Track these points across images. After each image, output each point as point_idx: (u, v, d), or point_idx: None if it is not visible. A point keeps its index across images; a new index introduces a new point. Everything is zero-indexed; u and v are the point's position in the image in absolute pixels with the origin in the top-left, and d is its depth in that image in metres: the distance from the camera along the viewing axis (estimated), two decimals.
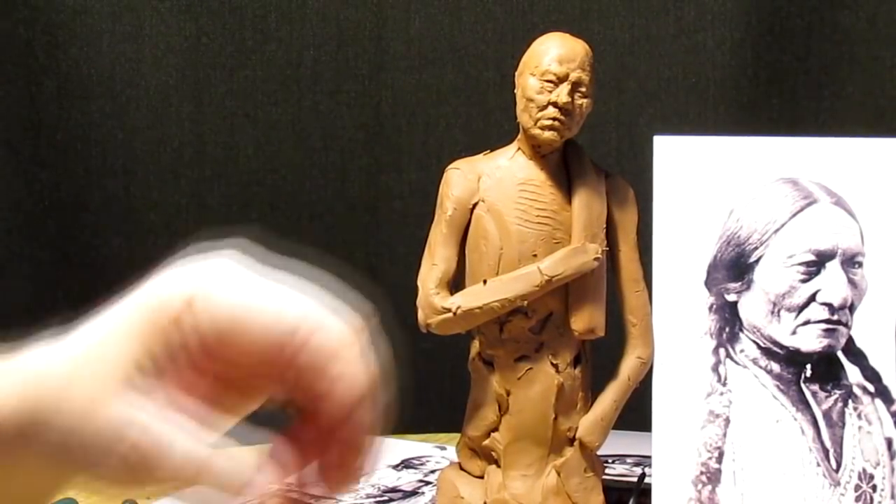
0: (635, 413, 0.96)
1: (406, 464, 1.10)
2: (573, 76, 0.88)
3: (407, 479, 1.05)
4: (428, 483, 1.04)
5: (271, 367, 0.55)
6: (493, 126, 1.39)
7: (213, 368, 0.56)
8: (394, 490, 1.03)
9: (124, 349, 0.56)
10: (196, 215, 1.42)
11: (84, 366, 0.58)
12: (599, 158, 0.96)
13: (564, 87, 0.88)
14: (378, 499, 1.00)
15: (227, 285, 0.56)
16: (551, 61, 0.88)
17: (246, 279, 0.56)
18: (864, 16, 1.39)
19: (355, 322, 0.55)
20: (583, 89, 0.89)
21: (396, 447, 1.15)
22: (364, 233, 1.46)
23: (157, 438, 0.55)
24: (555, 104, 0.88)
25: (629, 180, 0.95)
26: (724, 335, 0.94)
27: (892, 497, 0.92)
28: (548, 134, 0.89)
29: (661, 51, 1.42)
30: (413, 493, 1.02)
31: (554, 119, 0.88)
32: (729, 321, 0.94)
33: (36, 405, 0.59)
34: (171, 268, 0.57)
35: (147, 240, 1.40)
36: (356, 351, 0.54)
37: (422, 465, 1.09)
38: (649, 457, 0.94)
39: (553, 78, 0.88)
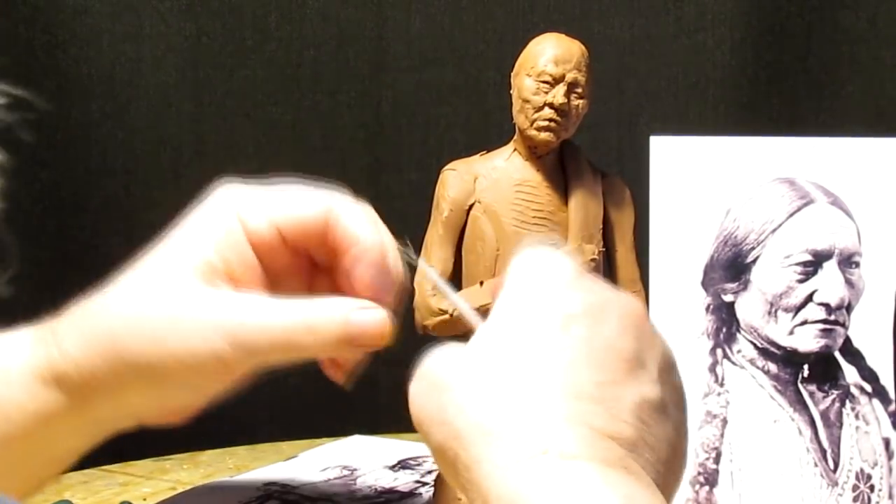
0: None
1: (403, 464, 1.10)
2: (569, 77, 0.88)
3: (404, 480, 1.05)
4: (425, 484, 1.04)
5: (314, 246, 0.68)
6: (493, 126, 1.39)
7: (271, 262, 0.68)
8: (391, 491, 1.03)
9: (197, 254, 0.67)
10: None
11: (161, 279, 0.67)
12: (599, 158, 0.96)
13: (560, 88, 0.88)
14: (375, 500, 1.00)
15: (262, 198, 0.68)
16: (547, 62, 0.88)
17: (272, 191, 0.69)
18: (864, 16, 1.39)
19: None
20: (579, 90, 0.89)
21: (393, 448, 1.15)
22: None
23: (254, 309, 0.65)
24: (551, 105, 0.88)
25: (629, 180, 0.95)
26: (722, 335, 0.94)
27: (890, 497, 0.92)
28: (544, 135, 0.89)
29: (661, 51, 1.42)
30: (410, 494, 1.02)
31: (550, 120, 0.88)
32: (726, 321, 0.94)
33: (117, 335, 0.67)
34: (210, 196, 0.70)
35: (147, 240, 1.40)
36: (373, 217, 0.70)
37: (419, 465, 1.09)
38: None
39: (549, 79, 0.88)
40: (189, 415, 0.73)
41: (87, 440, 0.72)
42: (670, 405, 0.55)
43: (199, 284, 0.66)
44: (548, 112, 0.88)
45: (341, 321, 0.66)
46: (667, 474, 0.53)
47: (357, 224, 0.69)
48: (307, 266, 0.71)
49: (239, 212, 0.68)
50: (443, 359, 0.56)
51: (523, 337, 0.54)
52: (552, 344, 0.53)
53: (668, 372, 0.56)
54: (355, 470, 1.08)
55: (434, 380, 0.55)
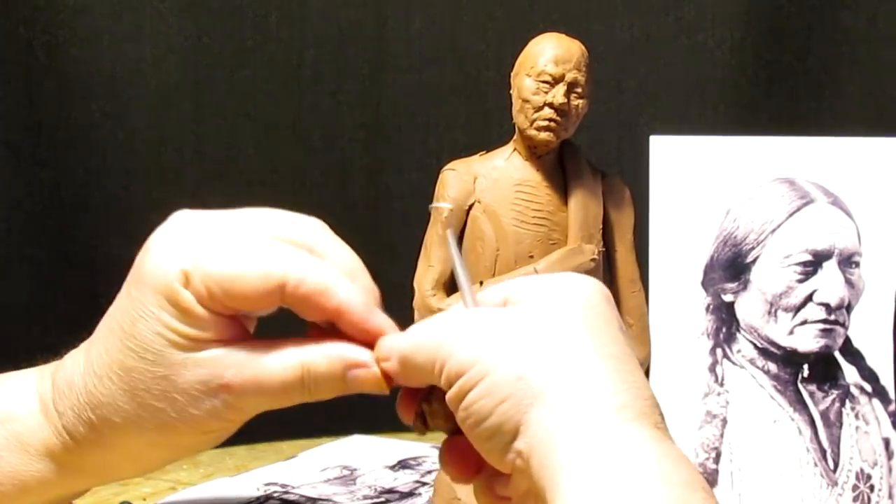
0: None
1: (403, 464, 1.10)
2: (569, 77, 0.88)
3: (404, 480, 1.05)
4: (425, 484, 1.04)
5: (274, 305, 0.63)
6: (493, 126, 1.39)
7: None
8: (390, 491, 1.03)
9: (155, 322, 0.62)
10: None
11: (127, 358, 0.64)
12: (599, 158, 0.96)
13: (560, 88, 0.88)
14: (375, 500, 1.00)
15: (213, 254, 0.62)
16: (547, 62, 0.88)
17: (226, 244, 0.63)
18: (864, 16, 1.39)
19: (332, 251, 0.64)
20: (579, 90, 0.89)
21: (393, 447, 1.15)
22: (364, 233, 1.46)
23: (245, 361, 0.62)
24: (551, 105, 0.88)
25: (629, 180, 0.95)
26: (721, 335, 0.94)
27: (890, 497, 0.92)
28: (544, 135, 0.89)
29: (661, 51, 1.42)
30: (410, 494, 1.02)
31: (550, 120, 0.88)
32: (726, 321, 0.94)
33: (101, 422, 0.63)
34: (158, 243, 0.62)
35: (147, 240, 1.40)
36: (341, 282, 0.62)
37: (418, 465, 1.09)
38: None
39: (549, 79, 0.88)
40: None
41: (70, 496, 0.71)
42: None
43: (174, 352, 0.63)
44: (547, 112, 0.88)
45: (340, 379, 0.65)
46: None
47: (326, 298, 0.62)
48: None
49: (188, 279, 0.63)
50: (494, 308, 0.58)
51: (573, 316, 0.57)
52: (619, 338, 0.57)
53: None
54: (355, 470, 1.08)
55: (499, 317, 0.57)
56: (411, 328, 0.61)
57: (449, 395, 0.56)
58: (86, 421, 0.65)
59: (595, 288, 0.58)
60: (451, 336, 0.57)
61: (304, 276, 0.61)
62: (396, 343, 0.61)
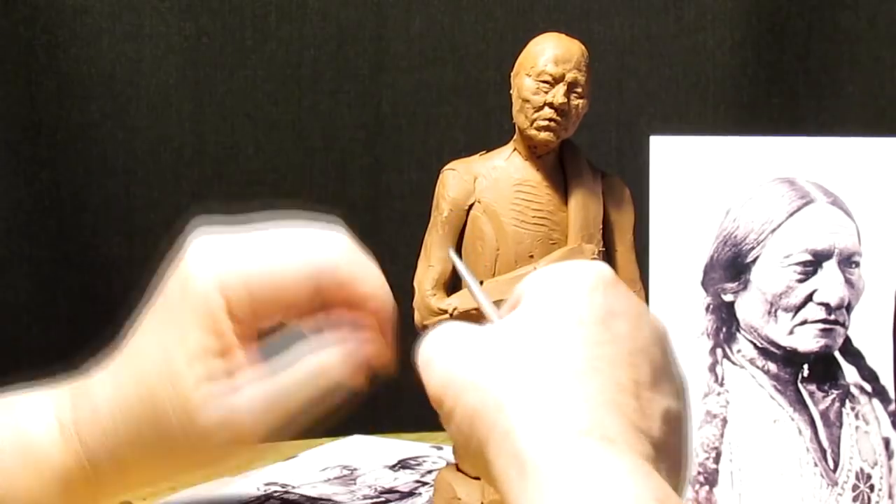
0: None
1: (403, 464, 1.10)
2: (569, 77, 0.88)
3: (404, 480, 1.05)
4: (425, 483, 1.04)
5: (302, 308, 0.65)
6: (493, 126, 1.39)
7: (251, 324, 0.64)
8: (391, 491, 1.03)
9: (190, 341, 0.62)
10: (196, 215, 1.42)
11: (152, 383, 0.64)
12: (599, 158, 0.96)
13: (560, 88, 0.88)
14: (375, 499, 1.00)
15: (245, 259, 0.64)
16: (547, 62, 0.88)
17: (257, 248, 0.65)
18: (864, 16, 1.39)
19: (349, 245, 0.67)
20: (579, 90, 0.89)
21: (393, 447, 1.15)
22: (364, 233, 1.46)
23: (255, 407, 0.63)
24: (551, 105, 0.88)
25: (629, 180, 0.95)
26: (721, 335, 0.94)
27: (890, 497, 0.92)
28: (544, 135, 0.89)
29: (661, 51, 1.42)
30: (410, 494, 1.02)
31: (550, 120, 0.88)
32: (726, 321, 0.94)
33: (118, 448, 0.63)
34: (188, 254, 0.63)
35: (147, 240, 1.40)
36: (367, 266, 0.67)
37: (419, 465, 1.09)
38: None
39: (549, 78, 0.88)
40: None
41: None
42: (685, 422, 0.56)
43: (200, 376, 0.63)
44: (548, 112, 0.88)
45: (355, 372, 0.66)
46: (676, 487, 0.53)
47: (367, 287, 0.67)
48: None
49: (220, 287, 0.64)
50: (475, 329, 0.57)
51: (566, 323, 0.54)
52: (594, 334, 0.54)
53: (684, 394, 0.57)
54: (355, 470, 1.08)
55: (469, 346, 0.55)
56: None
57: (441, 419, 0.56)
58: (109, 450, 0.65)
59: (580, 283, 0.56)
60: (431, 360, 0.57)
61: (339, 263, 0.66)
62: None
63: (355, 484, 1.04)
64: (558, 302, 0.55)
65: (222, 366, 0.63)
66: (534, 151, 0.91)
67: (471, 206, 0.91)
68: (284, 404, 0.64)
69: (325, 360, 0.65)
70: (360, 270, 0.67)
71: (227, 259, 0.65)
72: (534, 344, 0.53)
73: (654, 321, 0.58)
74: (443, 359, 0.56)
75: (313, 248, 0.66)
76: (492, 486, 0.54)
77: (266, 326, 0.66)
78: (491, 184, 0.91)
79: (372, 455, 1.13)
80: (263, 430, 0.64)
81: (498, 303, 0.60)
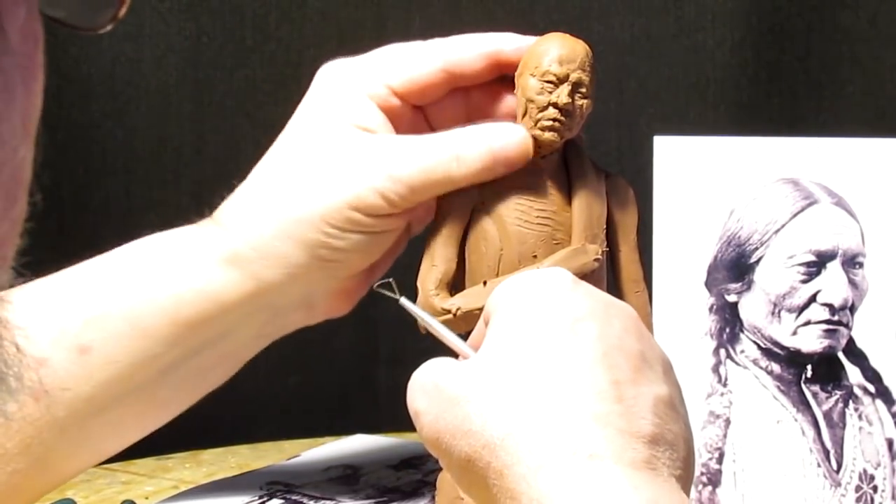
0: None
1: (406, 464, 1.10)
2: (573, 77, 0.88)
3: (407, 480, 1.05)
4: (428, 484, 1.04)
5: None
6: None
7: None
8: (393, 490, 1.03)
9: (347, 107, 0.78)
10: (196, 215, 1.42)
11: (329, 138, 0.77)
12: (599, 158, 0.96)
13: (565, 88, 0.88)
14: (378, 499, 1.00)
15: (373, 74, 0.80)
16: (551, 62, 0.88)
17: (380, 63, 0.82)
18: (864, 16, 1.39)
19: None
20: (583, 90, 0.89)
21: (396, 447, 1.15)
22: None
23: (408, 147, 0.77)
24: (555, 105, 0.88)
25: (629, 180, 0.95)
26: (725, 336, 0.94)
27: (893, 498, 0.92)
28: (548, 135, 0.89)
29: (661, 51, 1.42)
30: (413, 494, 1.02)
31: (554, 120, 0.88)
32: (729, 322, 0.94)
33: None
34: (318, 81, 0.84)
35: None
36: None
37: (422, 465, 1.09)
38: None
39: (553, 79, 0.88)
40: (356, 296, 0.82)
41: (262, 331, 0.75)
42: (678, 402, 0.56)
43: (356, 131, 0.73)
44: (552, 112, 0.88)
45: (486, 149, 0.77)
46: (685, 470, 0.54)
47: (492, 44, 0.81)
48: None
49: (364, 89, 0.78)
50: (451, 372, 0.57)
51: (535, 342, 0.54)
52: (565, 346, 0.54)
53: (669, 371, 0.57)
54: (358, 469, 1.08)
55: (449, 394, 0.55)
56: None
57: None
58: (257, 214, 0.76)
59: (552, 290, 0.57)
60: (415, 415, 0.58)
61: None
62: None
63: (358, 484, 1.04)
64: (523, 320, 0.56)
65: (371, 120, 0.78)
66: (538, 151, 0.91)
67: (474, 206, 0.91)
68: (428, 167, 0.77)
69: (466, 146, 0.77)
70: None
71: (358, 69, 0.81)
72: (510, 374, 0.54)
73: (621, 309, 0.58)
74: (429, 411, 0.56)
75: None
76: None
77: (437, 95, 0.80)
78: (494, 184, 0.91)
79: (374, 455, 1.13)
80: (411, 178, 0.76)
81: None
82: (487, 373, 0.54)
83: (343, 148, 0.74)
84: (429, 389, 0.57)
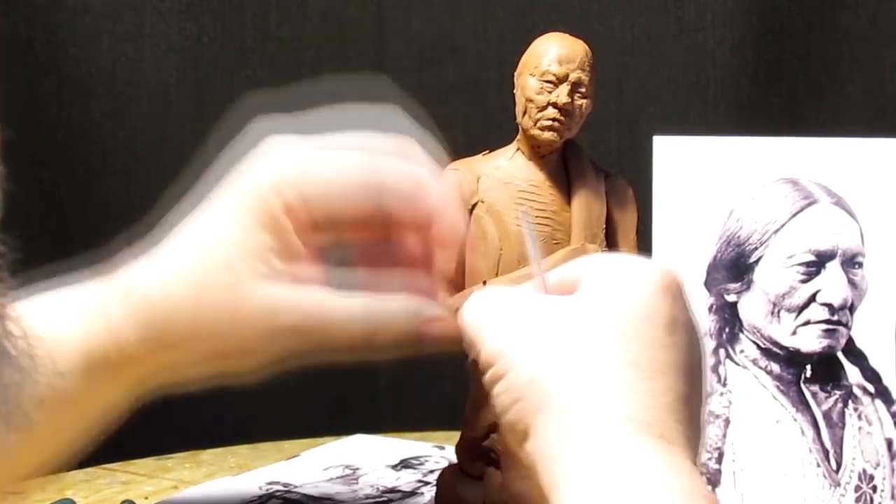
0: None
1: (405, 464, 1.10)
2: (573, 76, 0.88)
3: (406, 480, 1.05)
4: (427, 483, 1.04)
5: (363, 223, 0.63)
6: (493, 126, 1.39)
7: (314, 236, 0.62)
8: (392, 490, 1.03)
9: (244, 240, 0.62)
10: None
11: (208, 267, 0.62)
12: (599, 158, 0.96)
13: (564, 88, 0.88)
14: (377, 499, 1.00)
15: (306, 165, 0.62)
16: (551, 62, 0.88)
17: (317, 153, 0.63)
18: (864, 15, 1.39)
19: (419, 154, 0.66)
20: (582, 90, 0.89)
21: (395, 447, 1.15)
22: None
23: (314, 303, 0.60)
24: (554, 105, 0.88)
25: (629, 180, 0.95)
26: (724, 336, 0.94)
27: (893, 498, 0.92)
28: (547, 134, 0.89)
29: (661, 51, 1.42)
30: (412, 494, 1.02)
31: (554, 119, 0.88)
32: (729, 322, 0.94)
33: (160, 323, 0.61)
34: (247, 156, 0.62)
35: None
36: (433, 181, 0.65)
37: (421, 465, 1.09)
38: None
39: (553, 78, 0.88)
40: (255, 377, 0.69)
41: (130, 398, 0.70)
42: (703, 447, 0.57)
43: (259, 273, 0.62)
44: (551, 112, 0.88)
45: (411, 331, 0.64)
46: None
47: (432, 205, 0.65)
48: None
49: (277, 190, 0.63)
50: (531, 298, 0.57)
51: (634, 320, 0.54)
52: (661, 339, 0.54)
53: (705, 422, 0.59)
54: (357, 469, 1.08)
55: (530, 314, 0.55)
56: (464, 298, 0.60)
57: (484, 380, 0.56)
58: (142, 322, 0.63)
59: (654, 281, 0.56)
60: (487, 323, 0.56)
61: (401, 174, 0.64)
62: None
63: (357, 483, 1.04)
64: (627, 295, 0.55)
65: (284, 267, 0.61)
66: (537, 151, 0.91)
67: (474, 206, 0.91)
68: (330, 326, 0.62)
69: (387, 304, 0.63)
70: (426, 186, 0.64)
71: (288, 162, 0.63)
72: (601, 331, 0.54)
73: (702, 340, 0.59)
74: (502, 321, 0.56)
75: (378, 158, 0.64)
76: (514, 453, 0.54)
77: (325, 242, 0.64)
78: (494, 184, 0.91)
79: (374, 454, 1.13)
80: (307, 333, 0.62)
81: None
82: (578, 317, 0.54)
83: (246, 298, 0.64)
84: (505, 303, 0.57)
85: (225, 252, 0.63)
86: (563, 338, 0.54)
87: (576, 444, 0.51)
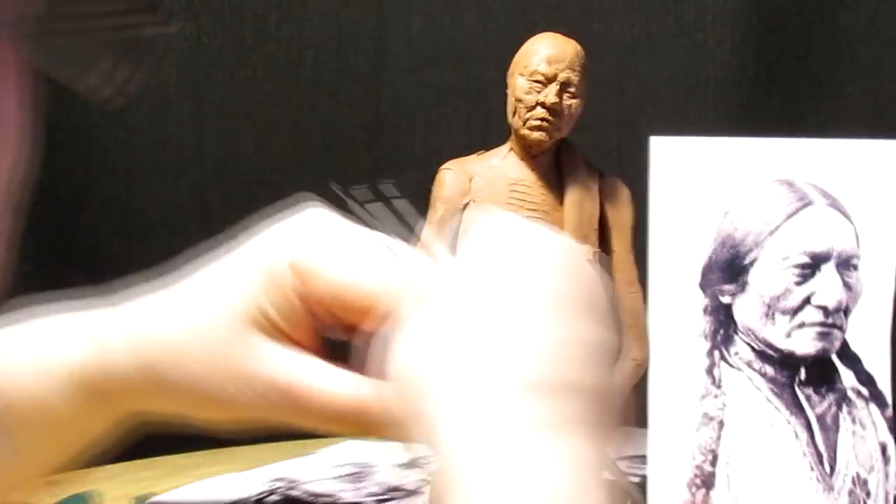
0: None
1: (413, 463, 1.10)
2: (562, 76, 0.88)
3: (411, 478, 1.05)
4: (429, 482, 1.04)
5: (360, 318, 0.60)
6: (493, 126, 1.38)
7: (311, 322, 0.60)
8: (396, 489, 1.03)
9: (250, 298, 0.60)
10: (196, 215, 1.42)
11: (208, 317, 0.62)
12: (599, 158, 0.96)
13: (553, 88, 0.88)
14: (381, 497, 1.00)
15: (323, 254, 0.59)
16: (540, 62, 0.88)
17: (338, 247, 0.61)
18: (864, 15, 1.39)
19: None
20: (572, 89, 0.89)
21: (398, 446, 1.15)
22: None
23: (300, 375, 0.60)
24: (543, 104, 0.88)
25: (628, 181, 0.95)
26: (719, 337, 0.93)
27: (886, 502, 0.92)
28: (536, 134, 0.89)
29: (661, 51, 1.42)
30: (415, 492, 1.02)
31: (542, 119, 0.88)
32: (723, 323, 0.93)
33: (155, 360, 0.62)
34: (272, 225, 0.62)
35: (147, 240, 1.40)
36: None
37: (427, 464, 1.09)
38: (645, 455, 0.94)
39: (541, 78, 0.88)
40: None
41: (119, 430, 0.71)
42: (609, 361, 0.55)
43: (256, 335, 0.62)
44: (540, 111, 0.88)
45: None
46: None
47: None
48: None
49: (296, 266, 0.63)
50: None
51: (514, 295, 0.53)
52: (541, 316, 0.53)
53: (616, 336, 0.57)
54: (370, 468, 1.08)
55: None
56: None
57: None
58: (140, 358, 0.64)
59: (556, 259, 0.55)
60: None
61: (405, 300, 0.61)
62: None
63: (363, 481, 1.04)
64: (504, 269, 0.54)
65: (286, 329, 0.62)
66: (529, 151, 0.91)
67: (466, 205, 0.91)
68: (321, 398, 0.62)
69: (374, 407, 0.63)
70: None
71: (312, 230, 0.63)
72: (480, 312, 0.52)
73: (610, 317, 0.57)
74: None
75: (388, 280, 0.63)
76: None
77: (324, 317, 0.64)
78: (486, 183, 0.91)
79: (388, 453, 1.13)
80: (294, 399, 0.62)
81: None
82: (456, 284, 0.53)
83: (240, 354, 0.64)
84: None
85: (230, 304, 0.63)
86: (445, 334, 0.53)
87: (469, 440, 0.50)
